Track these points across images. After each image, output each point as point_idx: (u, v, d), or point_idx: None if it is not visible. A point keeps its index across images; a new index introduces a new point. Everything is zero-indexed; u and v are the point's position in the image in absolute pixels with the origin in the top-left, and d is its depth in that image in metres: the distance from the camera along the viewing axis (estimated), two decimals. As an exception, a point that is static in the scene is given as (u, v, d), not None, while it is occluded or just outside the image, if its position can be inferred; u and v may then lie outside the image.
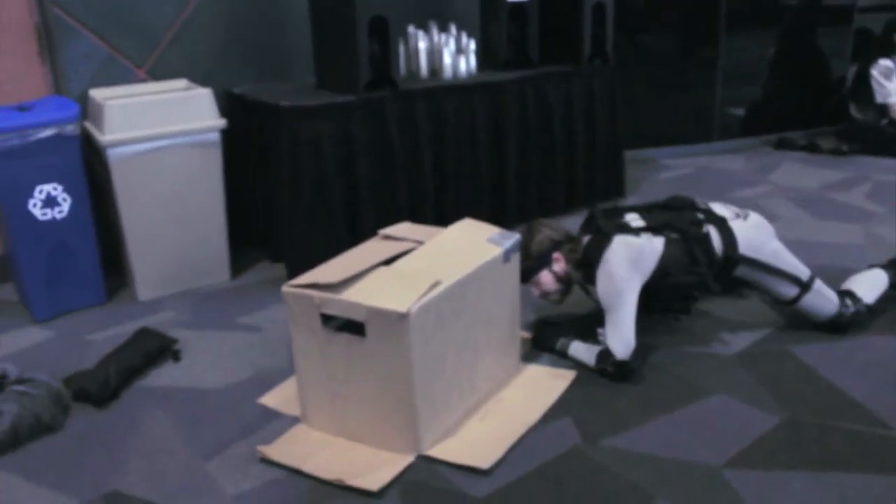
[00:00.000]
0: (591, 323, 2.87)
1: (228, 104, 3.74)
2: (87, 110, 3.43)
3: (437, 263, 2.41)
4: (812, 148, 5.64)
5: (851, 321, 2.91)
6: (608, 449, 2.30)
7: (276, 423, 2.47)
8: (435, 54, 3.89)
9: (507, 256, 2.57)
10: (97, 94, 3.40)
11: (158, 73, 3.67)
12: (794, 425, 2.39)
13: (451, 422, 2.42)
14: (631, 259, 2.66)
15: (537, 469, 2.22)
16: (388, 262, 2.45)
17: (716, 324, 3.03)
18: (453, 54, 3.88)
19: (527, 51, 4.11)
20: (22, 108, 3.14)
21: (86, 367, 2.75)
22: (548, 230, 2.83)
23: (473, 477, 2.20)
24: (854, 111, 5.77)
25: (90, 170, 3.30)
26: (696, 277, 2.75)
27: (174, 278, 3.45)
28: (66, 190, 3.17)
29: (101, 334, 3.10)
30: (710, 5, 5.48)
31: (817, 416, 2.42)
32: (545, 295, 2.86)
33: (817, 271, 2.96)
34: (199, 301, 3.38)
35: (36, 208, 3.12)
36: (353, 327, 2.25)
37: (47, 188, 3.13)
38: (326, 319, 2.29)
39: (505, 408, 2.54)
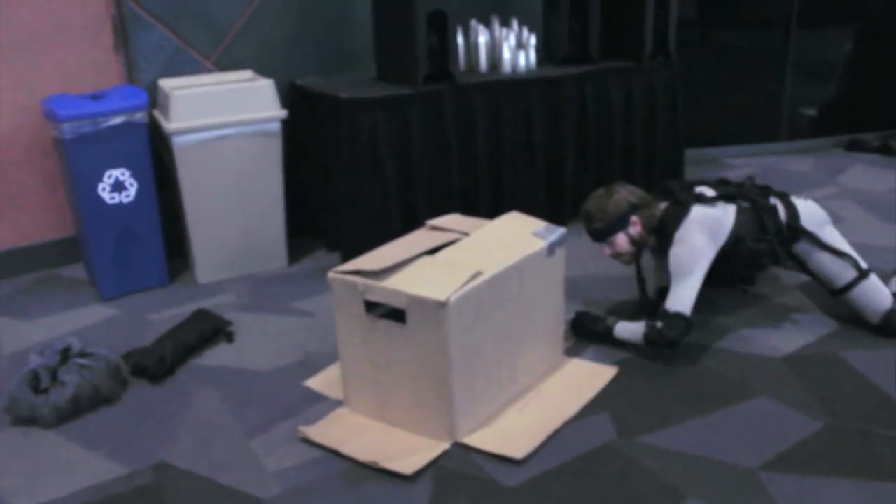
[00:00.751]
0: (632, 316, 2.88)
1: (291, 95, 3.83)
2: (157, 99, 3.57)
3: (481, 254, 2.44)
4: (885, 150, 5.47)
5: None
6: (643, 445, 2.30)
7: (319, 406, 2.55)
8: (495, 49, 3.91)
9: (551, 250, 2.60)
10: (166, 83, 3.53)
11: (225, 65, 3.79)
12: (837, 431, 2.35)
13: (488, 411, 2.45)
14: (709, 228, 2.73)
15: (570, 462, 2.24)
16: (433, 251, 2.49)
17: (765, 326, 2.99)
18: (513, 49, 3.89)
19: (587, 46, 4.10)
20: (95, 97, 3.29)
21: (145, 344, 2.87)
22: (627, 192, 2.87)
23: (506, 466, 2.23)
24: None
25: (157, 157, 3.43)
26: (767, 245, 2.81)
27: (233, 263, 3.56)
28: (133, 175, 3.31)
29: (161, 314, 3.23)
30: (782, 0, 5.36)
31: (862, 423, 2.38)
32: (617, 255, 2.91)
33: (879, 275, 2.92)
34: (255, 285, 3.49)
35: (105, 192, 3.27)
36: (396, 315, 2.30)
37: (116, 173, 3.27)
38: (371, 306, 2.35)
39: (544, 400, 2.57)
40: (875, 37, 5.80)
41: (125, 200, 3.32)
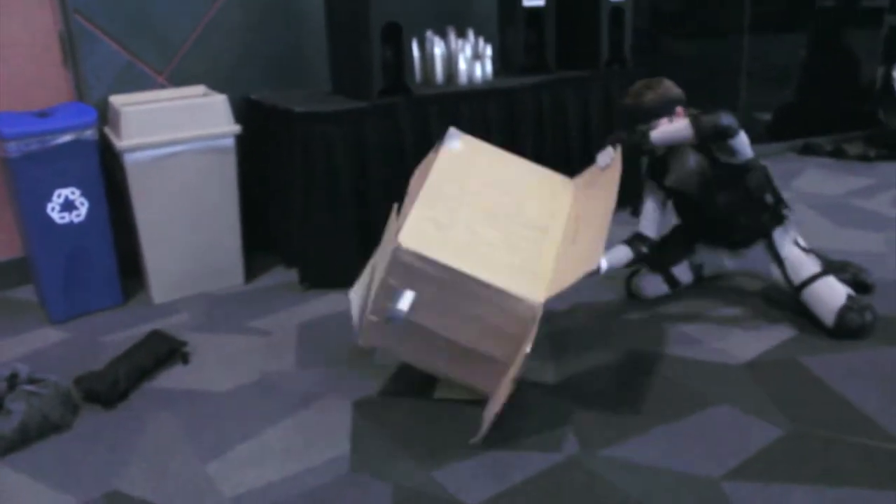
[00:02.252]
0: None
1: (246, 110, 3.79)
2: (107, 116, 3.50)
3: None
4: (838, 154, 5.56)
5: (861, 327, 2.90)
6: (606, 459, 2.29)
7: (278, 426, 2.50)
8: (451, 60, 3.89)
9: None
10: (116, 100, 3.46)
11: (178, 80, 3.73)
12: (798, 437, 2.36)
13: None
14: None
15: (534, 477, 2.22)
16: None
17: (724, 334, 3.01)
18: (469, 60, 3.88)
19: (544, 56, 4.11)
20: (42, 114, 3.22)
21: (97, 368, 2.80)
22: (677, 88, 3.02)
23: (466, 484, 2.20)
24: (882, 115, 5.67)
25: (109, 174, 3.36)
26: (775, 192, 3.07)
27: (189, 281, 3.50)
28: (83, 194, 3.23)
29: (115, 336, 3.15)
30: (734, 8, 5.42)
31: (823, 429, 2.39)
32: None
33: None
34: (212, 304, 3.43)
35: (54, 212, 3.19)
36: None
37: (65, 192, 3.19)
38: None
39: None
40: (826, 43, 5.91)
41: (76, 220, 3.24)
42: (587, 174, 2.93)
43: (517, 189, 2.72)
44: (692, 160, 3.04)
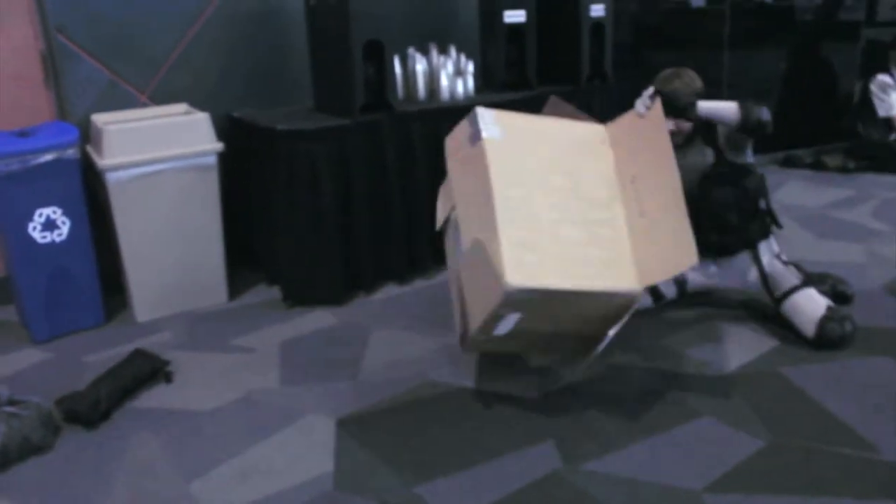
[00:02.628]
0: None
1: (228, 127, 3.79)
2: (89, 135, 3.49)
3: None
4: (818, 166, 5.61)
5: (841, 337, 2.93)
6: (589, 473, 2.29)
7: (262, 444, 2.49)
8: (433, 76, 3.92)
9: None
10: (98, 118, 3.46)
11: (160, 98, 3.73)
12: (779, 448, 2.37)
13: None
14: None
15: (516, 493, 2.22)
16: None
17: (705, 346, 3.02)
18: (451, 76, 3.91)
19: (525, 72, 4.14)
20: (23, 134, 3.21)
21: (79, 388, 2.79)
22: (700, 81, 3.12)
23: (450, 500, 2.20)
24: (860, 128, 5.73)
25: (91, 193, 3.36)
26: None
27: (172, 300, 3.49)
28: (65, 213, 3.23)
29: (98, 356, 3.14)
30: (714, 22, 5.48)
31: (804, 440, 2.41)
32: (676, 133, 3.03)
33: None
34: (195, 322, 3.42)
35: (35, 231, 3.18)
36: None
37: (47, 212, 3.19)
38: None
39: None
40: (805, 56, 5.97)
41: (57, 239, 3.23)
42: (624, 121, 2.89)
43: (567, 163, 2.72)
44: (698, 155, 3.11)
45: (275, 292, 3.65)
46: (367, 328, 3.28)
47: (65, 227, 3.24)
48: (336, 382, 2.86)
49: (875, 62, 5.81)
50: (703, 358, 2.93)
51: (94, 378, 2.82)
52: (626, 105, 4.16)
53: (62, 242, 3.24)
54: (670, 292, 3.34)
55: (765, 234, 3.16)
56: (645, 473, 2.28)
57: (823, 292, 3.13)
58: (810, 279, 3.19)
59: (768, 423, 2.50)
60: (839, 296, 3.28)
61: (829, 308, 2.96)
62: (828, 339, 2.92)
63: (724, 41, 5.49)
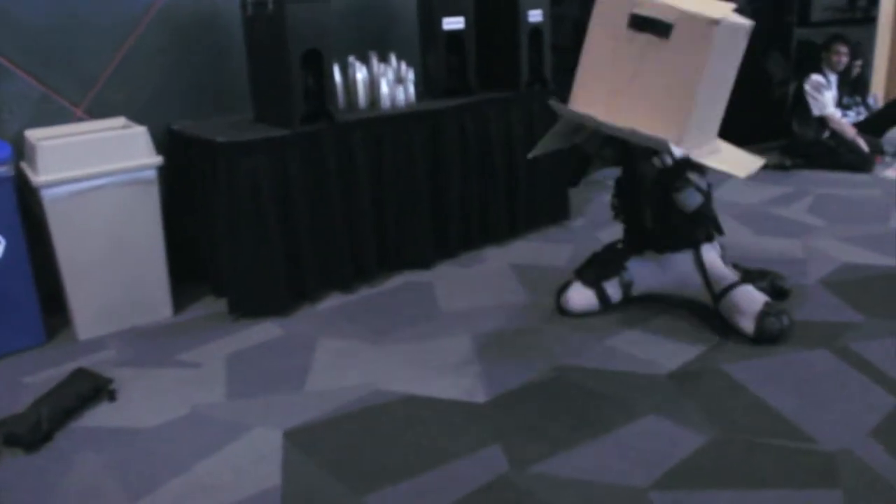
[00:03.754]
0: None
1: (168, 140, 3.75)
2: (23, 151, 3.42)
3: (722, 6, 2.83)
4: (757, 164, 5.74)
5: (780, 331, 3.01)
6: (536, 475, 2.32)
7: (209, 460, 2.47)
8: (374, 85, 3.92)
9: (748, 33, 3.04)
10: (32, 134, 3.39)
11: (97, 112, 3.67)
12: (722, 444, 2.42)
13: (698, 140, 2.92)
14: None
15: (464, 498, 2.23)
16: None
17: (648, 345, 3.08)
18: (391, 84, 3.91)
19: (466, 78, 4.16)
20: (-47, 152, 3.14)
21: (18, 410, 2.73)
22: None
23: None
24: (795, 126, 5.88)
25: (27, 210, 3.29)
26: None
27: (115, 316, 3.43)
28: (0, 232, 3.16)
29: (38, 376, 3.07)
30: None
31: (746, 434, 2.46)
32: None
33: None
34: (139, 338, 3.37)
35: (-30, 251, 3.11)
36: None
37: (-19, 231, 3.12)
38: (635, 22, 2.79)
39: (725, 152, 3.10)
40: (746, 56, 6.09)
41: (-7, 259, 3.17)
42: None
43: None
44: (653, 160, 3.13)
45: (221, 305, 3.61)
46: (313, 338, 3.27)
47: (0, 247, 3.17)
48: (283, 394, 2.85)
49: (808, 63, 5.97)
50: (646, 357, 2.98)
51: (34, 399, 2.77)
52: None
53: (-2, 262, 3.18)
54: (616, 296, 3.39)
55: (708, 238, 3.24)
56: (591, 474, 2.31)
57: (762, 288, 3.21)
58: (750, 276, 3.27)
59: (711, 418, 2.55)
60: (778, 291, 3.36)
61: (766, 303, 3.04)
62: (767, 334, 2.99)
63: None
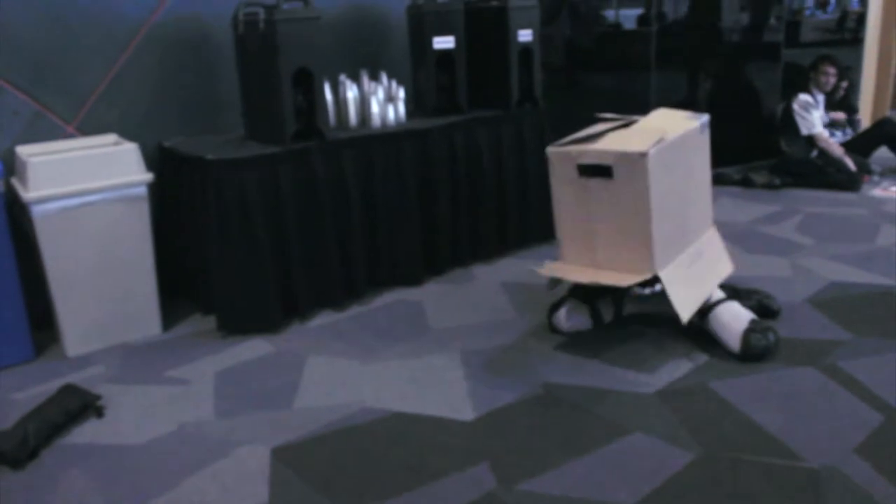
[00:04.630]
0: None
1: (159, 157, 3.76)
2: (14, 167, 3.43)
3: (657, 128, 3.08)
4: (745, 183, 5.79)
5: (766, 348, 3.03)
6: (523, 493, 2.32)
7: (196, 477, 2.47)
8: (364, 103, 3.94)
9: (703, 128, 3.31)
10: (23, 150, 3.41)
11: (88, 129, 3.69)
12: (708, 461, 2.43)
13: (674, 252, 3.09)
14: None
15: (452, 515, 2.24)
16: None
17: (635, 363, 3.08)
18: (382, 103, 3.94)
19: (456, 97, 4.19)
20: (-56, 168, 3.15)
21: (5, 426, 2.72)
22: None
23: (387, 525, 2.21)
24: (784, 145, 5.93)
25: (17, 226, 3.29)
26: None
27: (104, 333, 3.43)
28: (-11, 248, 3.16)
29: (26, 392, 3.07)
30: (641, 44, 5.62)
31: (732, 451, 2.47)
32: None
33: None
34: (128, 355, 3.37)
35: (-41, 267, 3.11)
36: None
37: (-29, 247, 3.12)
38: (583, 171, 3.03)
39: (703, 264, 3.25)
40: (730, 77, 6.16)
41: (-18, 275, 3.16)
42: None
43: None
44: None
45: (210, 322, 3.61)
46: (302, 356, 3.28)
47: (-11, 262, 3.17)
48: (271, 411, 2.85)
49: (796, 83, 6.03)
50: (634, 375, 2.99)
51: (21, 416, 2.76)
52: (557, 127, 4.29)
53: (-13, 278, 3.18)
54: (608, 316, 3.39)
55: None
56: (578, 491, 2.31)
57: (750, 307, 3.23)
58: (737, 295, 3.29)
59: (697, 436, 2.56)
60: (765, 310, 3.37)
61: (752, 321, 3.06)
62: (752, 351, 3.01)
63: (651, 62, 5.64)
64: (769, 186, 5.68)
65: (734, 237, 4.56)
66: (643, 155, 2.85)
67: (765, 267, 4.05)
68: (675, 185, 3.08)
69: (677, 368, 3.02)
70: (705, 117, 3.34)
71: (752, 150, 6.21)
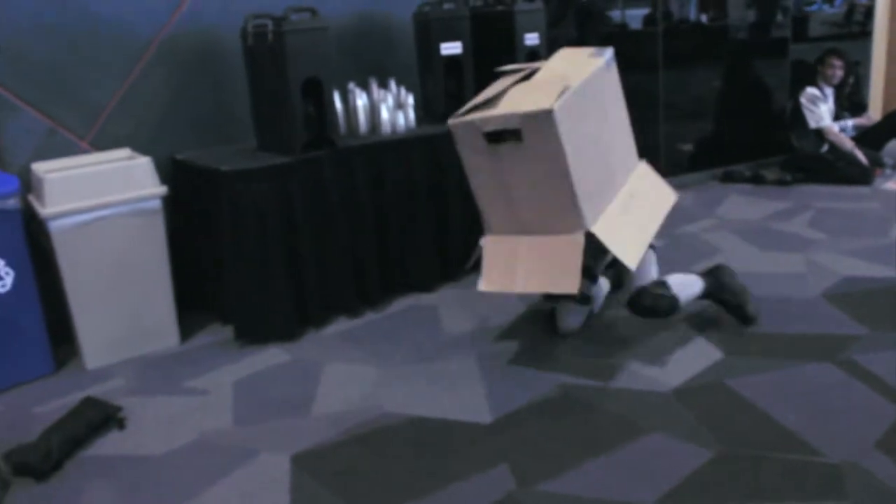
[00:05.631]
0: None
1: (173, 170, 3.79)
2: (30, 184, 3.47)
3: (560, 75, 2.88)
4: (757, 180, 5.78)
5: (657, 304, 3.18)
6: (543, 494, 2.33)
7: (217, 486, 2.49)
8: (374, 111, 3.97)
9: (608, 65, 3.14)
10: (39, 167, 3.44)
11: (102, 144, 3.72)
12: (727, 459, 2.43)
13: (603, 205, 2.92)
14: None
15: (472, 518, 2.25)
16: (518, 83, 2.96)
17: (652, 361, 3.09)
18: (391, 110, 3.96)
19: (464, 102, 4.18)
20: (-38, 186, 3.19)
21: (29, 440, 2.75)
22: None
23: (409, 529, 2.22)
24: (794, 141, 5.92)
25: (35, 242, 3.33)
26: None
27: (122, 345, 3.46)
28: (8, 264, 3.19)
29: (47, 406, 3.10)
30: (649, 43, 5.62)
31: (751, 448, 2.47)
32: None
33: (757, 302, 3.25)
34: (146, 367, 3.40)
35: (-22, 284, 3.15)
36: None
37: (-11, 263, 3.16)
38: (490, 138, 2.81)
39: (639, 202, 3.12)
40: (738, 74, 6.15)
41: (1, 291, 3.19)
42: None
43: None
44: None
45: (227, 332, 3.64)
46: (319, 363, 3.30)
47: (8, 279, 3.20)
48: (290, 419, 2.87)
49: (803, 79, 6.01)
50: (650, 374, 2.99)
51: (44, 428, 2.79)
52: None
53: (6, 294, 3.21)
54: (601, 290, 3.48)
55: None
56: (598, 491, 2.32)
57: (727, 302, 3.31)
58: (720, 288, 3.33)
59: (716, 434, 2.56)
60: (741, 313, 3.34)
61: (656, 282, 3.21)
62: (636, 304, 3.20)
63: (659, 61, 5.64)
64: (780, 183, 5.67)
65: (746, 234, 4.56)
66: (548, 112, 2.64)
67: (778, 263, 4.04)
68: (590, 132, 2.91)
69: (692, 366, 3.02)
70: (609, 51, 3.18)
71: (762, 147, 6.19)
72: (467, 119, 2.84)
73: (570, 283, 2.79)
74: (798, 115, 5.83)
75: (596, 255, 3.20)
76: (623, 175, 3.16)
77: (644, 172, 3.33)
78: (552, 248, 2.85)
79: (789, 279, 3.79)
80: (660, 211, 3.22)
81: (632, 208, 3.06)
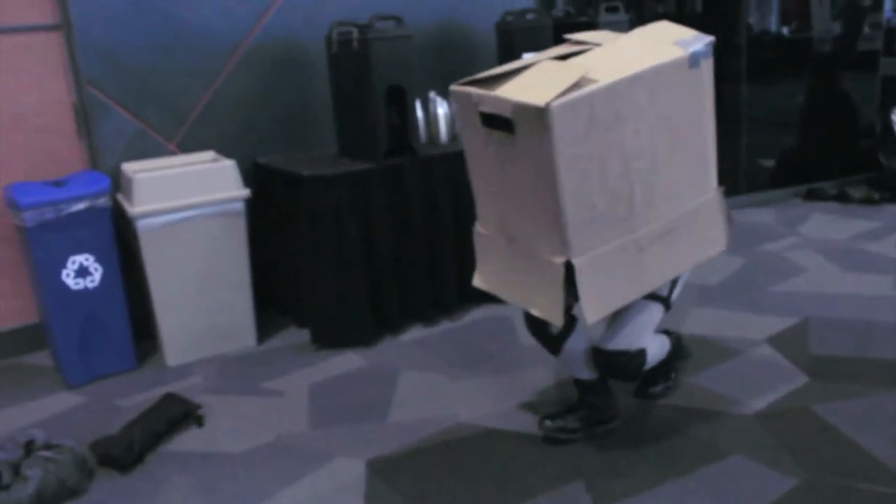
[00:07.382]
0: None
1: (255, 174, 3.86)
2: (120, 183, 3.57)
3: (604, 62, 2.21)
4: (843, 198, 5.59)
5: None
6: (620, 512, 2.29)
7: (292, 487, 2.51)
8: (454, 119, 3.96)
9: (693, 61, 2.28)
10: (128, 167, 3.54)
11: (188, 146, 3.81)
12: (812, 487, 2.35)
13: (613, 233, 2.25)
14: None
15: (547, 534, 2.22)
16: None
17: (733, 383, 3.01)
18: (472, 118, 3.95)
19: (546, 112, 4.17)
20: (57, 183, 3.30)
21: (112, 432, 2.82)
22: None
23: (483, 542, 2.21)
24: (883, 158, 5.73)
25: (122, 240, 3.43)
26: None
27: (202, 344, 3.53)
28: (97, 260, 3.29)
29: (129, 399, 3.18)
30: (732, 55, 5.51)
31: (837, 477, 2.39)
32: None
33: (843, 325, 3.14)
34: (225, 366, 3.46)
35: (69, 278, 3.24)
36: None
37: (80, 259, 3.25)
38: (485, 120, 2.23)
39: (668, 244, 2.37)
40: (823, 87, 5.98)
41: (90, 286, 3.29)
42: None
43: None
44: None
45: (303, 335, 3.68)
46: (395, 370, 3.31)
47: (97, 274, 3.30)
48: (365, 424, 2.88)
49: (893, 93, 5.82)
50: (730, 396, 2.92)
51: (126, 422, 2.87)
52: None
53: (94, 289, 3.30)
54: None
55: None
56: (676, 513, 2.27)
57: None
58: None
59: (800, 460, 2.48)
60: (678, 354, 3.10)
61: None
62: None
63: (742, 74, 5.52)
64: (868, 201, 5.48)
65: (831, 254, 4.42)
66: (541, 110, 2.00)
67: (866, 286, 3.91)
68: (622, 144, 2.18)
69: (776, 390, 2.93)
70: (700, 43, 2.31)
71: (849, 164, 6.00)
72: (467, 90, 2.27)
73: (553, 313, 2.30)
74: (888, 132, 5.64)
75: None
76: (670, 206, 2.36)
77: (707, 206, 2.49)
78: (534, 268, 2.33)
79: (875, 302, 3.66)
80: (691, 257, 2.50)
81: (654, 249, 2.35)
